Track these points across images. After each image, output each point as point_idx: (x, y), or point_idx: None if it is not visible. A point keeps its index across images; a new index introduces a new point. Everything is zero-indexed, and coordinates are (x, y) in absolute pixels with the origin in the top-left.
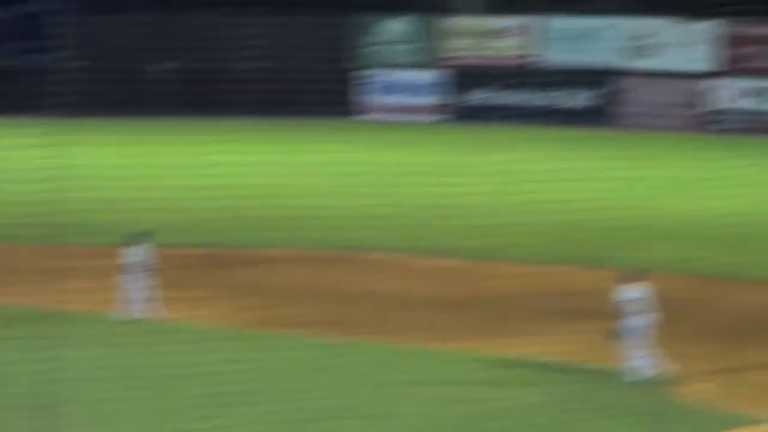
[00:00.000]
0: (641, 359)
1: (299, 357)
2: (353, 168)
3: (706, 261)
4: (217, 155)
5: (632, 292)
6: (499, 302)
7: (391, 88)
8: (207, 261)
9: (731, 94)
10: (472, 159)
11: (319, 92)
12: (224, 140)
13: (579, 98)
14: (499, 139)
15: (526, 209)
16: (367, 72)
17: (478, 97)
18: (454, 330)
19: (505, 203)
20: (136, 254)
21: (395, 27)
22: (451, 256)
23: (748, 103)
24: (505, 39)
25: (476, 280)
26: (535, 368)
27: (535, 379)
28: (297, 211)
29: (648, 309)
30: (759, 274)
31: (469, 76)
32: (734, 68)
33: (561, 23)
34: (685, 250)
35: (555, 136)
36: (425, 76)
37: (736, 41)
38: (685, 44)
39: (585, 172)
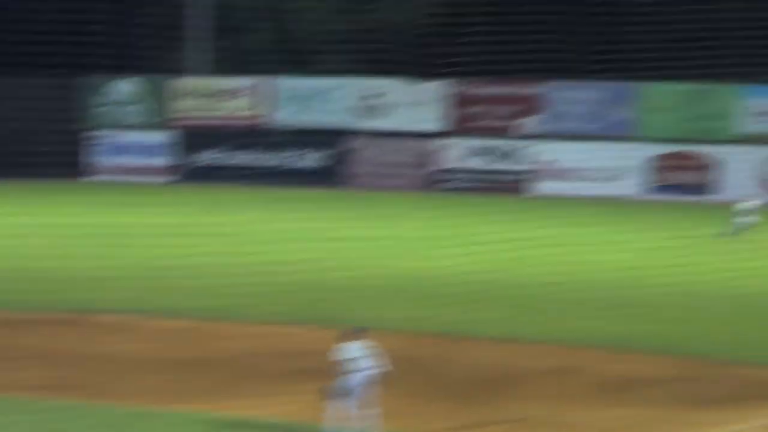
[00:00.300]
0: (361, 418)
1: (29, 420)
2: (82, 230)
3: (435, 319)
4: None
5: (352, 350)
6: (228, 363)
7: (121, 149)
8: None
9: (459, 153)
10: (201, 220)
11: (48, 153)
12: None
13: (309, 158)
14: (229, 199)
15: (256, 270)
16: (97, 133)
17: (209, 157)
18: (183, 391)
19: (235, 264)
20: None
21: (124, 88)
22: (181, 317)
23: (475, 162)
24: (234, 99)
25: (206, 341)
26: (260, 429)
27: None
28: (24, 273)
29: (368, 367)
30: (488, 332)
31: (200, 137)
32: (462, 128)
33: (290, 83)
34: (415, 309)
35: (285, 197)
36: (155, 137)
37: (463, 101)
38: (415, 104)
39: (315, 233)
